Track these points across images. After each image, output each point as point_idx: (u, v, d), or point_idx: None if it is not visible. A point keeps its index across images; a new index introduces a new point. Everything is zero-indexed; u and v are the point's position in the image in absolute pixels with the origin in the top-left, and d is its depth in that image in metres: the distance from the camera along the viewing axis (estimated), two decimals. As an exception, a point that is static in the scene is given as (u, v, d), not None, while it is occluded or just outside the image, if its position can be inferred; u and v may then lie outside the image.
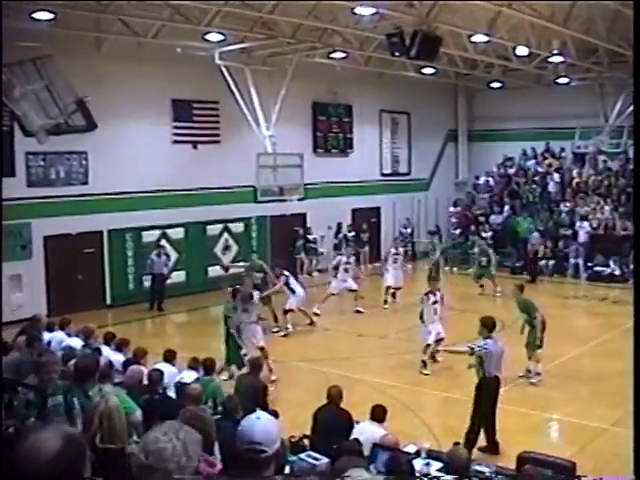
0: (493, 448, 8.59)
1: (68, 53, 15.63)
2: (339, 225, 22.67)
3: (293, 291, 15.23)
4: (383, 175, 25.27)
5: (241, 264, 17.49)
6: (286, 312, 15.18)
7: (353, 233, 21.92)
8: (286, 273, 15.56)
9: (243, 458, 3.10)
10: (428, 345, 11.94)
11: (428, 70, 22.01)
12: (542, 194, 24.10)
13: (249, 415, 3.28)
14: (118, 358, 8.58)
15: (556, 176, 24.21)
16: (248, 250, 20.12)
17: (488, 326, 8.64)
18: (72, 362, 6.91)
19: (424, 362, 11.90)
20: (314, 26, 16.48)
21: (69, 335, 9.87)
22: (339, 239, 22.04)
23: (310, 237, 21.62)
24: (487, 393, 8.51)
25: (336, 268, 16.94)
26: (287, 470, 5.16)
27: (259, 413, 3.30)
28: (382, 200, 24.73)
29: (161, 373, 7.44)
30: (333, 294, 16.55)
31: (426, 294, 12.50)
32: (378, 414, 6.91)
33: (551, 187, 24.05)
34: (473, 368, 8.74)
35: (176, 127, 18.80)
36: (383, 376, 12.02)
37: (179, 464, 2.34)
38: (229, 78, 17.96)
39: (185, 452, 2.37)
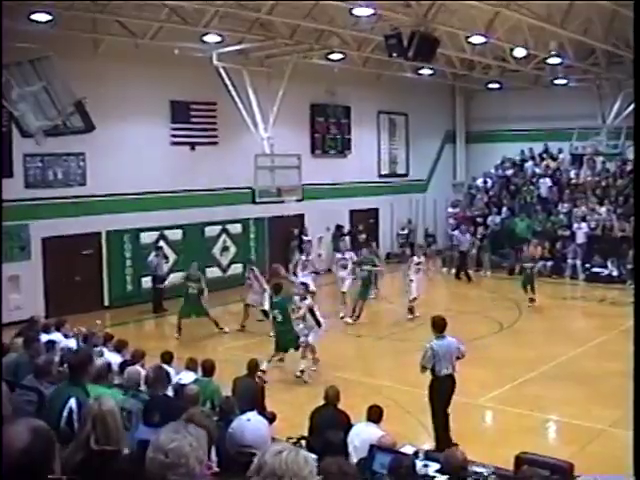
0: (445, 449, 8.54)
1: (66, 54, 15.62)
2: (337, 227, 22.65)
3: (264, 290, 14.74)
4: (381, 176, 25.27)
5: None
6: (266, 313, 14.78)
7: (348, 237, 21.86)
8: (254, 268, 15.45)
9: (234, 460, 3.09)
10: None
11: (426, 71, 22.03)
12: (540, 195, 24.12)
13: (239, 417, 3.26)
14: (116, 359, 8.57)
15: (547, 180, 24.22)
16: (246, 251, 20.18)
17: (438, 327, 8.71)
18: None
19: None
20: (312, 27, 16.48)
21: (66, 336, 9.86)
22: (337, 240, 21.93)
23: (305, 238, 21.59)
24: (438, 392, 8.58)
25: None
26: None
27: (250, 415, 3.27)
28: (380, 201, 24.74)
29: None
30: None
31: None
32: (375, 415, 6.89)
33: (543, 191, 24.05)
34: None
35: (174, 128, 18.79)
36: (380, 377, 12.02)
37: (198, 458, 2.50)
38: (227, 79, 17.95)
39: (201, 446, 2.54)
